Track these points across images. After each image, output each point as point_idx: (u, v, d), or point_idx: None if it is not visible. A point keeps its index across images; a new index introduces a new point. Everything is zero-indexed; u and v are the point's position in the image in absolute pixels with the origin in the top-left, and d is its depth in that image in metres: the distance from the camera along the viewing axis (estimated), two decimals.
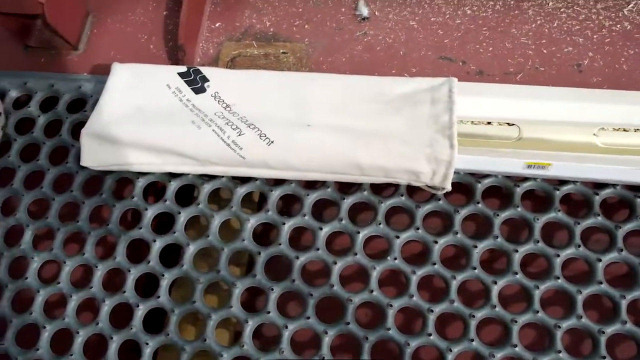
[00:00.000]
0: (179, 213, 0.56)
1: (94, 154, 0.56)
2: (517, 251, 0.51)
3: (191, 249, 0.54)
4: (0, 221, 0.59)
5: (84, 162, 0.57)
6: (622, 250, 0.50)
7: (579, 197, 0.54)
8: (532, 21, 0.63)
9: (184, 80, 0.59)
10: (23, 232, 0.58)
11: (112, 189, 0.58)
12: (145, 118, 0.57)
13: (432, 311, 0.50)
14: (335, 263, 0.52)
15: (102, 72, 0.66)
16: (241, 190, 0.56)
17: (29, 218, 0.58)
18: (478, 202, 0.53)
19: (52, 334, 0.53)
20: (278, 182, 0.56)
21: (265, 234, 0.60)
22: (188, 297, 0.53)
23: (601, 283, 0.49)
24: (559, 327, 0.48)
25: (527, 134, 0.53)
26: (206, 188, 0.56)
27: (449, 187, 0.52)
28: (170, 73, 0.60)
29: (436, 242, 0.52)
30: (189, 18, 0.66)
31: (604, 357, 0.47)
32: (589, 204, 0.52)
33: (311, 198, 0.55)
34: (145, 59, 0.67)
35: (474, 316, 0.49)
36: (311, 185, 0.56)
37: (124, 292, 0.53)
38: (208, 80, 0.59)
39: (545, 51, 0.61)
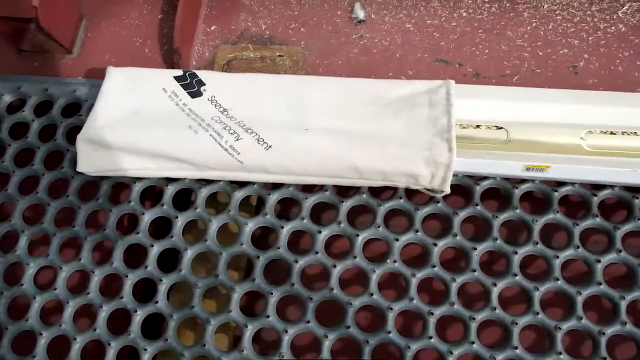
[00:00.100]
0: (177, 217, 0.55)
1: (90, 160, 0.56)
2: (516, 253, 0.51)
3: (189, 254, 0.54)
4: None
5: (80, 167, 0.56)
6: (620, 251, 0.50)
7: (577, 198, 0.54)
8: (528, 23, 0.63)
9: (180, 84, 0.59)
10: (18, 237, 0.57)
11: (109, 194, 0.58)
12: (141, 123, 0.57)
13: (432, 314, 0.50)
14: (335, 266, 0.52)
15: (96, 76, 0.65)
16: (239, 194, 0.56)
17: (24, 224, 0.58)
18: (477, 205, 0.53)
19: (49, 340, 0.53)
20: (276, 186, 0.56)
21: (263, 238, 0.60)
22: (186, 302, 0.52)
23: (600, 284, 0.49)
24: (559, 328, 0.48)
25: (515, 137, 0.54)
26: (204, 192, 0.56)
27: (447, 190, 0.52)
28: (166, 77, 0.60)
29: (435, 245, 0.52)
30: (185, 21, 0.65)
31: (605, 359, 0.47)
32: (587, 205, 0.53)
33: (309, 201, 0.55)
34: (140, 63, 0.67)
35: (474, 318, 0.49)
36: (309, 188, 0.56)
37: (122, 297, 0.53)
38: (204, 84, 0.59)
39: (541, 53, 0.62)
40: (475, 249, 0.52)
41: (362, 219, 0.56)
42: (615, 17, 0.62)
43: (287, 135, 0.54)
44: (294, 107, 0.57)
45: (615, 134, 0.53)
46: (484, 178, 0.54)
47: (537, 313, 0.49)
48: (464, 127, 0.54)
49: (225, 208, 0.55)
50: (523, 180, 0.54)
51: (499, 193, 0.55)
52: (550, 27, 0.63)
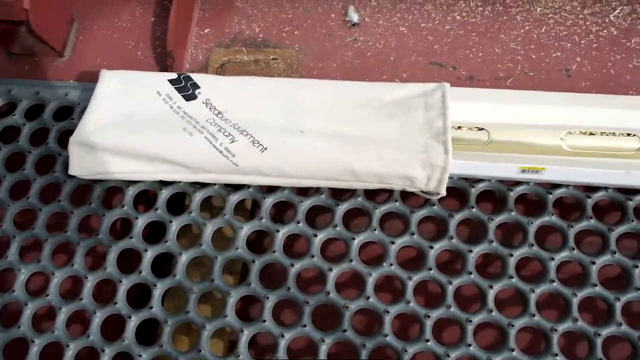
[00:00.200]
0: (171, 222, 0.55)
1: (82, 163, 0.55)
2: (512, 255, 0.51)
3: (184, 258, 0.54)
4: None
5: (73, 171, 0.56)
6: (615, 252, 0.51)
7: (572, 200, 0.54)
8: (521, 27, 0.64)
9: (175, 87, 0.58)
10: (9, 243, 0.56)
11: (102, 198, 0.57)
12: (135, 126, 0.56)
13: (429, 317, 0.50)
14: (331, 270, 0.52)
15: (88, 79, 0.65)
16: (234, 198, 0.55)
17: (15, 229, 0.57)
18: (472, 207, 0.53)
19: (42, 347, 0.52)
20: (271, 189, 0.56)
21: (258, 242, 0.60)
22: (181, 307, 0.52)
23: (595, 285, 0.50)
24: (555, 330, 0.48)
25: (496, 138, 0.54)
26: (198, 196, 0.56)
27: (443, 193, 0.52)
28: (160, 80, 0.59)
29: (431, 248, 0.52)
30: (178, 24, 0.65)
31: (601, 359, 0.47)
32: (582, 207, 0.53)
33: (305, 205, 0.55)
34: (132, 66, 0.66)
35: (470, 321, 0.49)
36: (304, 191, 0.56)
37: (116, 303, 0.52)
38: (199, 87, 0.58)
39: (534, 56, 0.62)
40: (471, 251, 0.52)
41: (358, 222, 0.56)
42: (607, 20, 0.63)
43: (282, 138, 0.54)
44: (289, 109, 0.57)
45: (594, 134, 0.53)
46: (479, 180, 0.54)
47: (533, 315, 0.49)
48: None
49: (220, 212, 0.55)
50: (517, 183, 0.54)
51: (494, 195, 0.55)
52: (543, 30, 0.63)
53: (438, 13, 0.66)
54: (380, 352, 0.49)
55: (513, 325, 0.49)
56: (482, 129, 0.54)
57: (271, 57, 0.66)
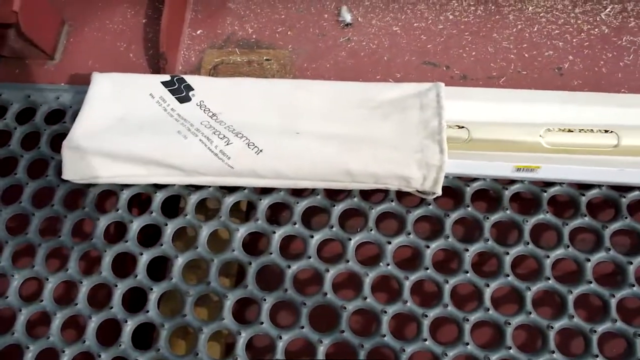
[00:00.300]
0: (166, 225, 0.55)
1: (76, 168, 0.55)
2: (507, 253, 0.52)
3: (179, 261, 0.53)
4: None
5: (66, 175, 0.55)
6: (609, 249, 0.51)
7: (566, 198, 0.55)
8: (513, 26, 0.64)
9: (168, 89, 0.58)
10: (2, 248, 0.56)
11: (95, 202, 0.56)
12: (128, 129, 0.56)
13: (426, 316, 0.50)
14: (328, 271, 0.52)
15: (80, 82, 0.64)
16: (229, 200, 0.55)
17: (7, 234, 0.56)
18: (468, 206, 0.54)
19: (36, 354, 0.51)
20: (266, 191, 0.55)
21: (253, 244, 0.59)
22: (178, 311, 0.52)
23: (591, 282, 0.50)
24: (552, 327, 0.49)
25: (477, 136, 0.54)
26: (193, 198, 0.55)
27: (439, 192, 0.52)
28: (154, 82, 0.59)
29: (428, 247, 0.52)
30: (170, 25, 0.65)
31: (597, 356, 0.47)
32: (576, 204, 0.53)
33: (300, 206, 0.54)
34: (125, 68, 0.66)
35: (467, 320, 0.49)
36: (300, 192, 0.56)
37: (111, 307, 0.52)
38: (193, 89, 0.58)
39: (526, 55, 0.62)
40: (467, 250, 0.52)
41: (353, 222, 0.56)
42: (598, 19, 0.63)
43: (277, 139, 0.54)
44: (284, 111, 0.56)
45: (572, 131, 0.54)
46: (474, 179, 0.55)
47: (530, 312, 0.49)
48: None
49: (215, 214, 0.55)
50: (512, 181, 0.54)
51: (489, 194, 0.56)
52: (535, 29, 0.64)
53: (431, 12, 0.66)
54: (378, 352, 0.49)
55: (510, 323, 0.49)
56: (462, 127, 0.55)
57: (264, 58, 0.66)
